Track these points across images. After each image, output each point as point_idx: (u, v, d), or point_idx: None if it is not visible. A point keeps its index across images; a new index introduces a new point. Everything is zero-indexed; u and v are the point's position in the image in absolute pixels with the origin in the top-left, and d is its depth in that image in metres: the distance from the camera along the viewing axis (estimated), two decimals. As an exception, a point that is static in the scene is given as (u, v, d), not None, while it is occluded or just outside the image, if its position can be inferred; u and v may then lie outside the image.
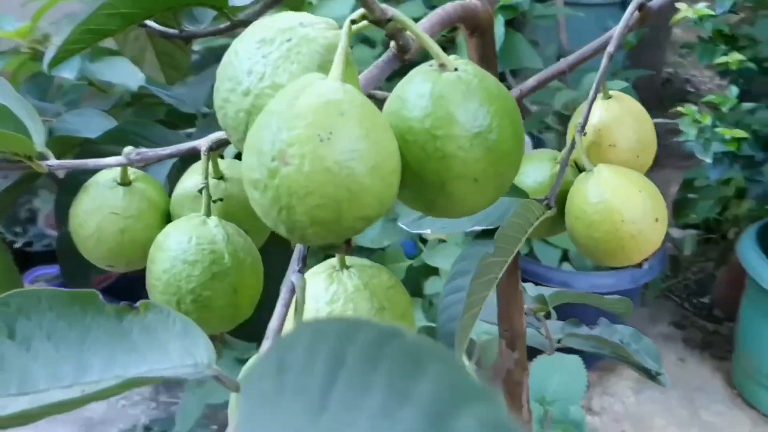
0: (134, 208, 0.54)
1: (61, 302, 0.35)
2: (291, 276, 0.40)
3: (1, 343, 0.35)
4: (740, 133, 1.49)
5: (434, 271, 1.40)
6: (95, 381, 0.34)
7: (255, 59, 0.40)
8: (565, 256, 1.83)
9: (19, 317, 0.35)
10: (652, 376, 0.85)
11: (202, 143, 0.50)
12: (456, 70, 0.38)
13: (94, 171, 0.57)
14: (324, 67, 0.40)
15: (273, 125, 0.34)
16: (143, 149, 0.51)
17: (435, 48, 0.38)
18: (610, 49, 0.53)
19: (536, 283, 1.22)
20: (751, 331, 1.82)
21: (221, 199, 0.53)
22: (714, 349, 2.03)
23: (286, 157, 0.34)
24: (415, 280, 1.38)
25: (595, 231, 0.51)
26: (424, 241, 1.48)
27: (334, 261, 0.48)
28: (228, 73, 0.41)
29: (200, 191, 0.50)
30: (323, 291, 0.45)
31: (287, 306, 0.39)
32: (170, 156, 0.51)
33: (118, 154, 0.63)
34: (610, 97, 0.57)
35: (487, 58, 0.54)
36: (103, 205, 0.54)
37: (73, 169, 0.54)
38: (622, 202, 0.50)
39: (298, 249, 0.42)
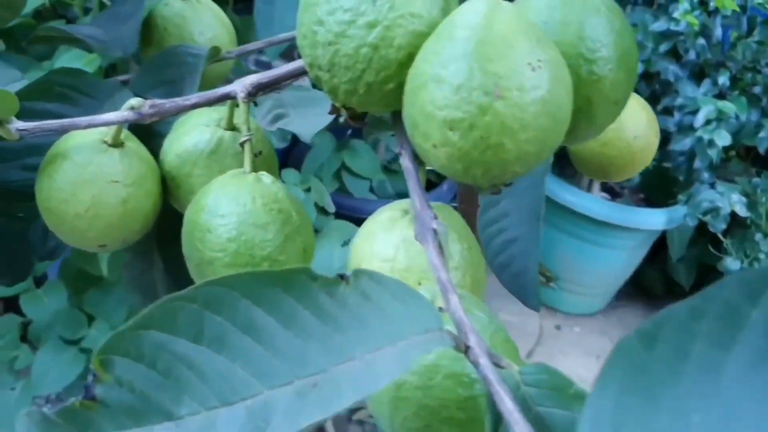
0: (134, 174, 0.45)
1: (258, 286, 0.29)
2: (432, 224, 0.37)
3: (183, 348, 0.28)
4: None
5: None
6: (321, 371, 0.28)
7: (377, -15, 0.35)
8: (371, 188, 1.88)
9: (206, 313, 0.28)
10: (546, 282, 0.93)
11: (238, 89, 0.43)
12: (589, -9, 0.37)
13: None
14: (446, -9, 0.37)
15: (470, 57, 0.31)
16: (157, 100, 0.42)
17: (572, -31, 0.37)
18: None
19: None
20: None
21: (261, 152, 0.46)
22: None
23: (499, 90, 0.31)
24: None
25: (610, 149, 0.54)
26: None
27: (402, 205, 0.45)
28: (338, 1, 0.35)
29: (242, 145, 0.43)
30: (411, 237, 0.43)
31: (439, 255, 0.36)
32: (194, 106, 0.43)
33: (46, 111, 0.51)
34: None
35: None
36: (98, 174, 0.44)
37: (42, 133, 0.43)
38: (632, 120, 0.54)
39: (418, 196, 0.38)
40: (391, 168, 1.91)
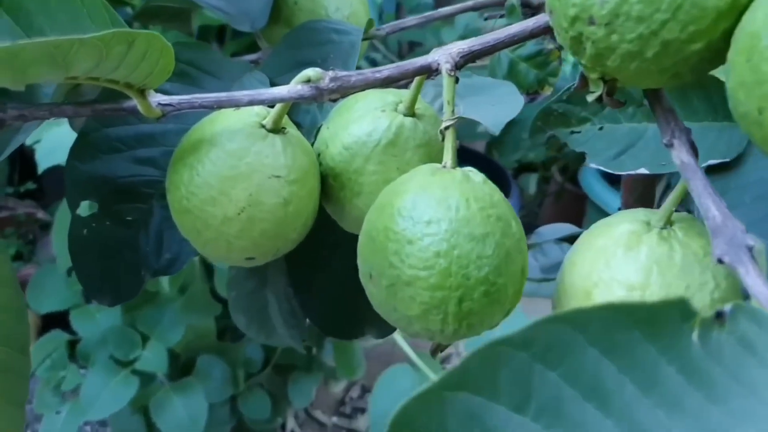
0: (298, 168, 0.35)
1: (614, 329, 0.18)
2: (745, 239, 0.27)
3: (502, 420, 0.18)
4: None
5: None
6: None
7: None
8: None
9: (537, 367, 0.18)
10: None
11: (441, 59, 0.33)
12: None
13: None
14: None
15: None
16: (340, 72, 0.32)
17: None
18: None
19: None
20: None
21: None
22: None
23: None
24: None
25: None
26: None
27: (639, 215, 0.35)
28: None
29: (443, 132, 0.33)
30: (666, 258, 0.33)
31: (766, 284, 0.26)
32: (387, 80, 0.33)
33: (162, 92, 0.42)
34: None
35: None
36: (257, 166, 0.34)
37: (182, 111, 0.33)
38: None
39: (714, 201, 0.28)
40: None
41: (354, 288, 0.49)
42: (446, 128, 0.33)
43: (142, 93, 0.31)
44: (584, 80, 0.30)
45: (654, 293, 0.32)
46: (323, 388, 1.58)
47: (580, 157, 1.68)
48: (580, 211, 1.96)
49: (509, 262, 0.32)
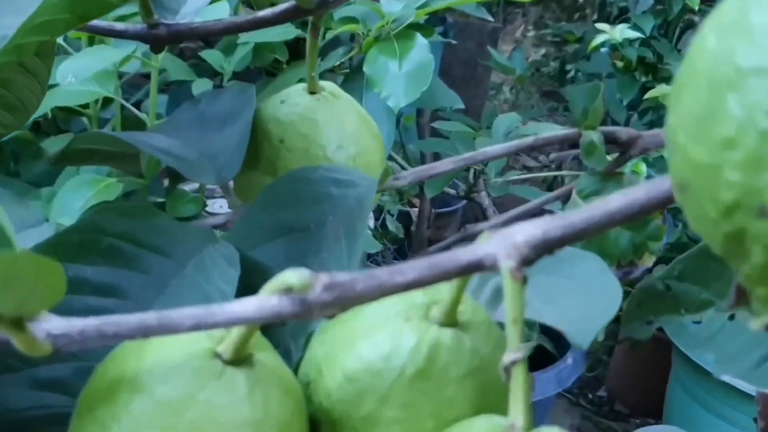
0: (274, 422, 0.26)
1: None
2: None
3: None
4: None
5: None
6: None
7: None
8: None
9: None
10: None
11: (500, 253, 0.25)
12: None
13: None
14: None
15: None
16: (339, 274, 0.25)
17: None
18: None
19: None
20: (683, 419, 1.80)
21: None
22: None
23: None
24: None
25: None
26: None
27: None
28: None
29: (509, 368, 0.25)
30: None
31: None
32: (416, 285, 0.25)
33: (81, 281, 0.36)
34: None
35: None
36: (205, 424, 0.25)
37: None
38: None
39: None
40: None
41: None
42: (513, 363, 0.25)
43: (18, 324, 0.23)
44: (742, 294, 0.22)
45: None
46: None
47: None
48: (664, 363, 1.82)
49: None
